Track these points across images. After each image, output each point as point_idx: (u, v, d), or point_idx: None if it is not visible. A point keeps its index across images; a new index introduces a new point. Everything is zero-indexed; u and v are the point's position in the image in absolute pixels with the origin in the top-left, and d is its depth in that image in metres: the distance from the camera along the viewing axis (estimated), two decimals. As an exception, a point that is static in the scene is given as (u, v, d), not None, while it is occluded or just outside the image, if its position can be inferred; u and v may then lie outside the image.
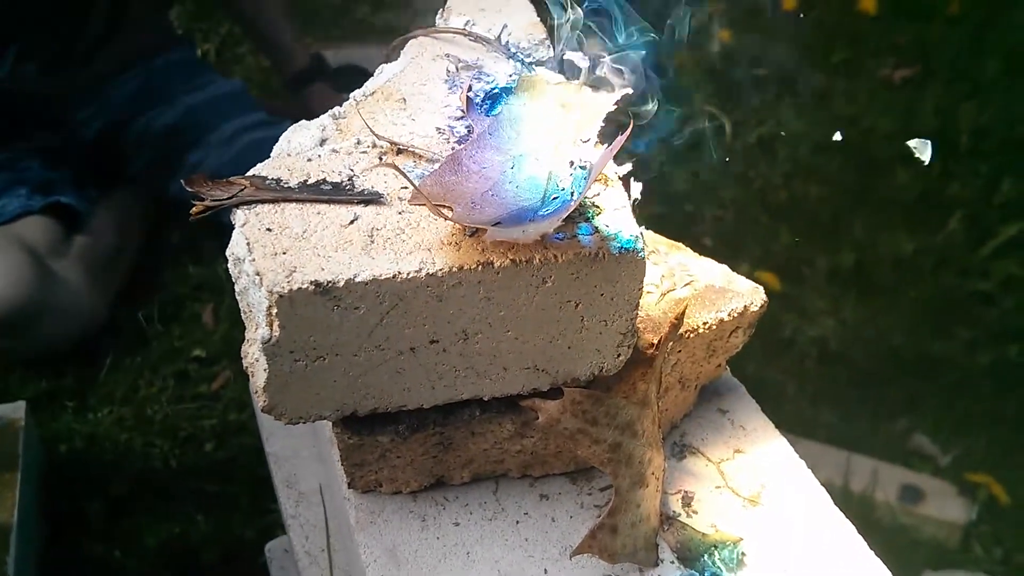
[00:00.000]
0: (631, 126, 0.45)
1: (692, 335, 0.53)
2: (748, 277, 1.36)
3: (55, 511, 1.29)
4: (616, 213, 0.46)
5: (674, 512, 0.53)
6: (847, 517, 0.54)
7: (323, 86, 1.67)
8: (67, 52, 1.55)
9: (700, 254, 1.45)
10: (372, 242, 0.45)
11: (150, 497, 1.31)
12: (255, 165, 1.75)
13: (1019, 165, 1.81)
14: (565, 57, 0.55)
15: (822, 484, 0.53)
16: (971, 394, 1.49)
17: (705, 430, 0.58)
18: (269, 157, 1.78)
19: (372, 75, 1.83)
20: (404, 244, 0.45)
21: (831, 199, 1.75)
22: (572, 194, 0.44)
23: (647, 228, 0.58)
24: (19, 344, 1.43)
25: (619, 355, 0.49)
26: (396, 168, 0.43)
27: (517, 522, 0.53)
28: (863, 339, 1.54)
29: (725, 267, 0.58)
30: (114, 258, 1.55)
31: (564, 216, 0.42)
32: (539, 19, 0.59)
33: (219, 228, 1.71)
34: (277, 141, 1.79)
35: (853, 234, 1.69)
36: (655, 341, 0.51)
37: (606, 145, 0.45)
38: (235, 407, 1.42)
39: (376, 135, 0.50)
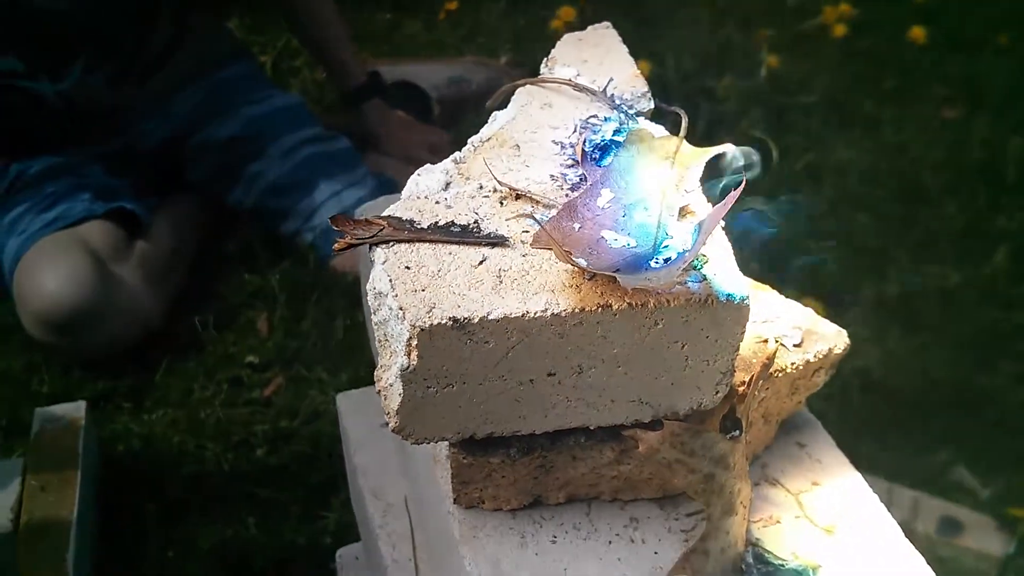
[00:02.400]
0: (742, 185, 0.50)
1: (780, 374, 0.59)
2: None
3: (111, 509, 1.35)
4: (722, 263, 0.52)
5: (757, 539, 0.58)
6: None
7: (379, 102, 1.74)
8: (132, 64, 1.63)
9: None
10: (500, 282, 0.50)
11: (203, 499, 1.36)
12: (312, 177, 1.80)
13: (1067, 199, 1.84)
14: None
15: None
16: (1014, 428, 1.52)
17: (784, 462, 0.63)
18: (326, 170, 1.82)
19: (424, 92, 1.88)
20: (530, 285, 0.50)
21: (877, 228, 1.79)
22: (689, 247, 0.49)
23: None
24: (79, 344, 1.50)
25: (717, 392, 0.54)
26: (535, 219, 0.49)
27: (609, 542, 0.58)
28: (906, 370, 1.57)
29: (810, 310, 0.63)
30: (172, 264, 1.62)
31: (684, 266, 0.48)
32: (639, 71, 0.64)
33: (274, 239, 1.76)
34: (334, 155, 1.84)
35: (899, 264, 1.73)
36: (746, 379, 0.56)
37: (719, 203, 0.50)
38: (287, 414, 1.47)
39: (498, 181, 0.55)
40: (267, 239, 1.68)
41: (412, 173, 1.62)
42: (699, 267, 0.51)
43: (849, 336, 0.67)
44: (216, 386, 1.51)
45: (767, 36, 2.02)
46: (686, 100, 1.87)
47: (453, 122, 1.84)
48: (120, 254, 1.54)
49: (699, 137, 1.92)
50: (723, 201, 0.49)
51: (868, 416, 1.52)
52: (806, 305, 1.56)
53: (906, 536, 0.60)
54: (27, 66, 1.55)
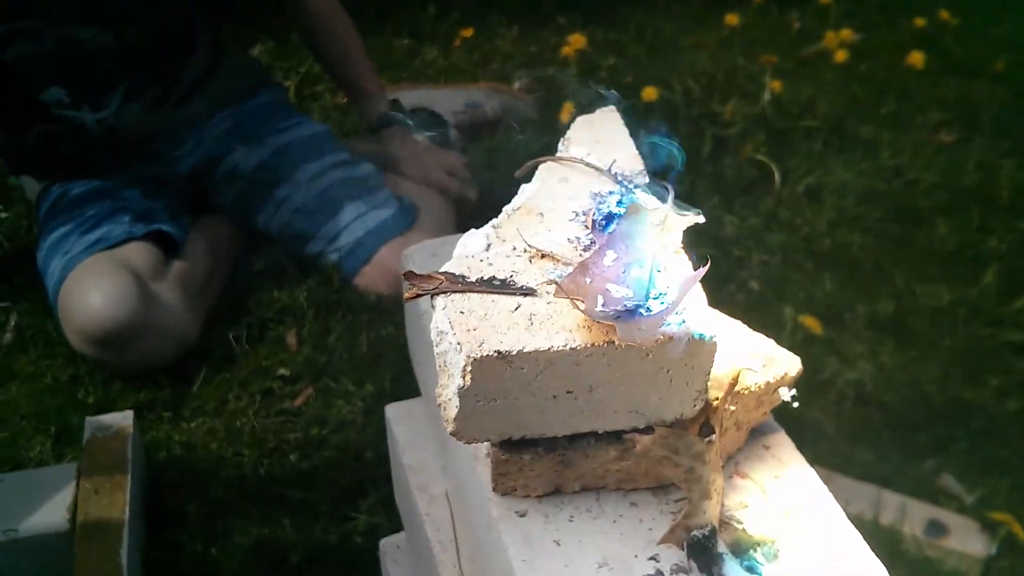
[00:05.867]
0: (708, 263, 0.73)
1: (746, 392, 0.81)
2: (792, 321, 1.71)
3: (157, 510, 1.57)
4: (697, 310, 0.74)
5: (728, 518, 0.80)
6: (867, 541, 0.80)
7: (400, 129, 1.97)
8: (168, 94, 1.86)
9: (748, 297, 1.79)
10: (531, 324, 0.73)
11: (241, 501, 1.58)
12: (337, 201, 2.06)
13: (1055, 222, 2.06)
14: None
15: (855, 516, 0.78)
16: (998, 439, 1.72)
17: (753, 461, 0.86)
18: (350, 193, 2.09)
19: (442, 118, 2.14)
20: (553, 325, 0.73)
21: (873, 248, 2.01)
22: (669, 302, 0.72)
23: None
24: (122, 358, 1.72)
25: (695, 405, 0.77)
26: (556, 282, 0.72)
27: (614, 521, 0.81)
28: (898, 384, 1.78)
29: (772, 340, 0.85)
30: (207, 282, 1.85)
31: (665, 318, 0.70)
32: (637, 152, 0.87)
33: (301, 261, 2.01)
34: (357, 179, 2.12)
35: (893, 283, 1.95)
36: (719, 395, 0.79)
37: (695, 271, 0.73)
38: (316, 423, 1.69)
39: (527, 244, 0.78)
40: (293, 258, 1.90)
41: (431, 193, 1.95)
42: (680, 313, 0.73)
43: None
44: (250, 397, 1.74)
45: (771, 61, 2.25)
46: (692, 124, 2.10)
47: (468, 145, 2.07)
48: (159, 274, 1.77)
49: (705, 159, 2.19)
50: (697, 272, 0.72)
51: (862, 426, 1.73)
52: (804, 322, 1.81)
53: (848, 519, 0.82)
54: (71, 96, 1.77)
